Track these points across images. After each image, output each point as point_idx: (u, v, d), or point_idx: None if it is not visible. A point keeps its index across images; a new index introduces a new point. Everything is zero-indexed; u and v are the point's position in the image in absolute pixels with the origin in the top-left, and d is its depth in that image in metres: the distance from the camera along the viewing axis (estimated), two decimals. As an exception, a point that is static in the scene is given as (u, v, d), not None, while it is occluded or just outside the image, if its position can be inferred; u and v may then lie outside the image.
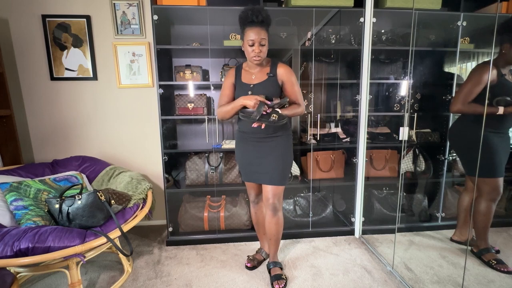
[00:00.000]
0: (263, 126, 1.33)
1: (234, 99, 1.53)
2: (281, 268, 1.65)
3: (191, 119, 2.26)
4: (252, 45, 1.39)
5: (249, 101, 1.37)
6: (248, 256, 1.77)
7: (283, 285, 1.53)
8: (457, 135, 1.77)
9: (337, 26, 2.06)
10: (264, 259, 1.79)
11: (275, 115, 1.31)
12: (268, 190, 1.53)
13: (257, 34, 1.37)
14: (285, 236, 2.05)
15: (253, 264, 1.72)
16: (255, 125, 1.34)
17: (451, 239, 1.92)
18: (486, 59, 1.67)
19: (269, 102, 1.35)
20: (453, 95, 1.98)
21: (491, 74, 1.56)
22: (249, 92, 1.48)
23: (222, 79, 2.03)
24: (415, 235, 2.05)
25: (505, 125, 1.58)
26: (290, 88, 1.49)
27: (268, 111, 1.32)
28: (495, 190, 1.62)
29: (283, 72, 1.48)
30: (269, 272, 1.64)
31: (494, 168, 1.60)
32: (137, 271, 1.72)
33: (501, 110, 1.48)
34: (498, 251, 1.71)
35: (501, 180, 1.61)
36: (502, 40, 1.53)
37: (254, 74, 1.52)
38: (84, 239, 1.27)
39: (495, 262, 1.62)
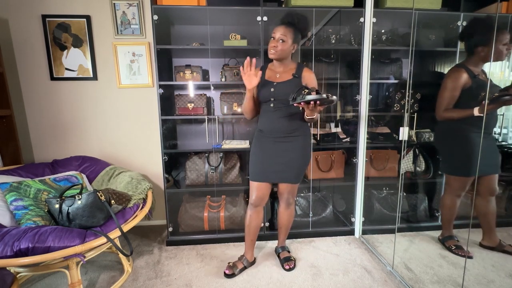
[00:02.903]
0: (317, 104, 1.32)
1: (257, 96, 1.57)
2: (289, 252, 1.82)
3: (191, 119, 2.26)
4: (272, 39, 1.48)
5: (244, 78, 1.45)
6: (228, 263, 1.71)
7: (292, 265, 1.71)
8: (438, 135, 1.87)
9: (337, 26, 2.06)
10: (245, 267, 1.71)
11: (326, 95, 1.29)
12: (284, 187, 1.64)
13: (279, 30, 1.45)
14: (285, 236, 2.05)
15: (232, 271, 1.65)
16: (308, 105, 1.32)
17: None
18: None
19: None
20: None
21: (463, 78, 1.60)
22: (272, 89, 1.51)
23: (222, 79, 2.03)
24: (415, 235, 2.05)
25: (488, 125, 1.60)
26: None
27: (312, 93, 1.30)
28: (460, 188, 1.75)
29: (308, 76, 1.52)
30: (278, 256, 1.81)
31: (464, 167, 1.68)
32: (137, 271, 1.72)
33: (476, 111, 1.51)
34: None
35: (469, 180, 1.70)
36: (471, 41, 1.58)
37: (279, 73, 1.56)
38: (84, 239, 1.27)
39: (455, 247, 1.80)
